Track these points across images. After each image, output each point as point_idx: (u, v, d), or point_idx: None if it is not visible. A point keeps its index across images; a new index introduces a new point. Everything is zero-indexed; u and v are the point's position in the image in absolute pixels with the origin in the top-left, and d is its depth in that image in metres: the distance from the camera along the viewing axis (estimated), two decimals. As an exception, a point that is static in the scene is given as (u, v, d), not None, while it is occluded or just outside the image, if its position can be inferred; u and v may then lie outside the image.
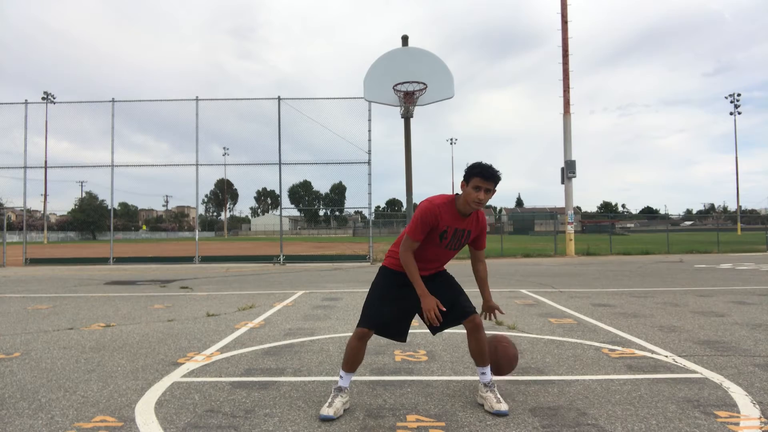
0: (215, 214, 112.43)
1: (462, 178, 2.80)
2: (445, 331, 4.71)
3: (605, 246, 22.50)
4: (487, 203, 2.87)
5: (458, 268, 3.14)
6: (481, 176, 2.70)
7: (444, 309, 2.83)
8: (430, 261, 2.98)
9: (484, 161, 2.76)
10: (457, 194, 2.86)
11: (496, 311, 3.14)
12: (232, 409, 2.94)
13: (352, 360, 2.93)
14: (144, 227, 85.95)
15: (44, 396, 3.20)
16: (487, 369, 2.97)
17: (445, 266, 3.17)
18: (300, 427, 2.68)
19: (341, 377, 2.93)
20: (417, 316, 3.05)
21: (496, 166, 2.75)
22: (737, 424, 2.64)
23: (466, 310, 2.94)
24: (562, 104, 19.92)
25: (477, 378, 3.13)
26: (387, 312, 2.92)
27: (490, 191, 2.74)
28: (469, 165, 2.76)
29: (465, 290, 3.11)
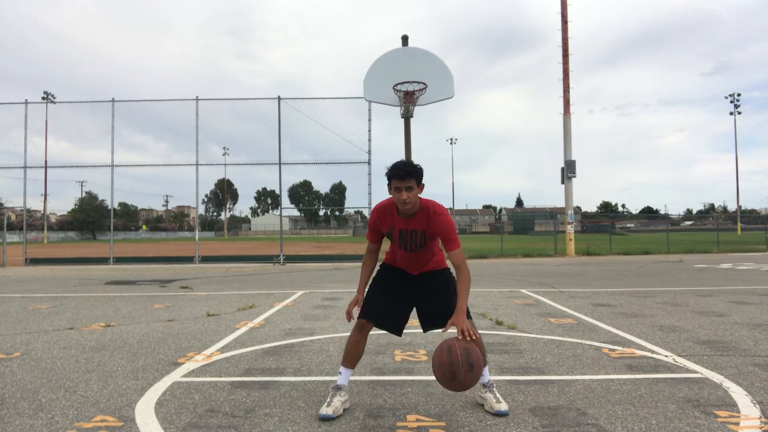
0: (215, 213, 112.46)
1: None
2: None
3: (605, 246, 22.49)
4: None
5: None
6: (396, 177, 2.71)
7: (357, 308, 2.98)
8: (404, 261, 3.01)
9: (400, 160, 2.77)
10: None
11: (463, 330, 2.62)
12: (232, 409, 2.94)
13: (350, 354, 2.94)
14: (144, 227, 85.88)
15: (44, 396, 3.20)
16: (485, 371, 2.96)
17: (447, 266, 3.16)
18: (300, 426, 2.68)
19: (340, 373, 2.94)
20: (416, 314, 3.06)
21: (414, 161, 2.77)
22: (737, 423, 2.64)
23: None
24: (562, 104, 19.93)
25: (477, 378, 3.12)
26: (380, 302, 2.96)
27: (413, 188, 2.72)
28: (387, 168, 2.79)
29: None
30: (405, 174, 2.69)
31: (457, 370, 2.55)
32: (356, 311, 3.02)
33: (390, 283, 3.02)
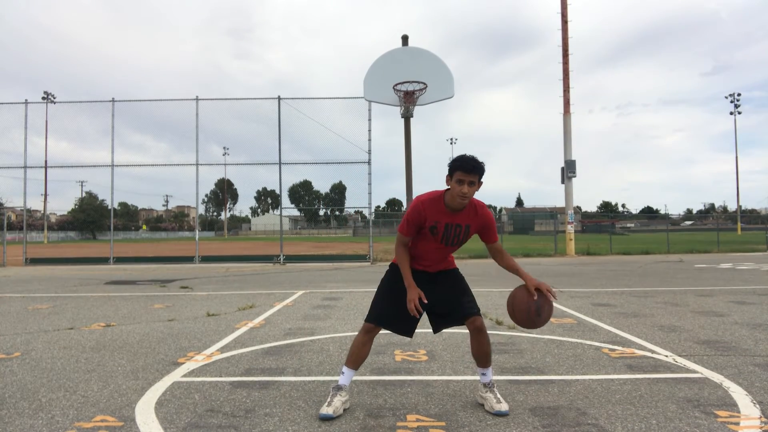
0: (215, 213, 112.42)
1: (447, 173, 2.79)
2: (445, 330, 4.71)
3: (605, 246, 22.49)
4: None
5: (464, 269, 3.13)
6: (463, 169, 2.70)
7: (426, 302, 2.85)
8: (431, 257, 2.97)
9: (467, 154, 2.76)
10: (447, 189, 2.85)
11: (543, 288, 2.88)
12: (233, 409, 2.94)
13: (355, 355, 2.94)
14: (144, 227, 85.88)
15: (44, 396, 3.20)
16: (488, 370, 2.97)
17: (457, 266, 3.17)
18: (300, 426, 2.68)
19: (342, 373, 2.94)
20: (426, 314, 3.07)
21: (479, 158, 2.74)
22: (737, 423, 2.64)
23: (468, 311, 2.93)
24: (561, 104, 19.93)
25: (477, 378, 3.13)
26: (392, 307, 2.93)
27: (474, 184, 2.73)
28: (451, 159, 2.77)
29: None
30: (472, 168, 2.69)
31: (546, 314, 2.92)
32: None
33: (400, 285, 2.95)
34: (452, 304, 2.95)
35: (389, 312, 2.93)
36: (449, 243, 2.91)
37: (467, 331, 2.98)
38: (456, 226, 2.85)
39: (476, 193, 2.81)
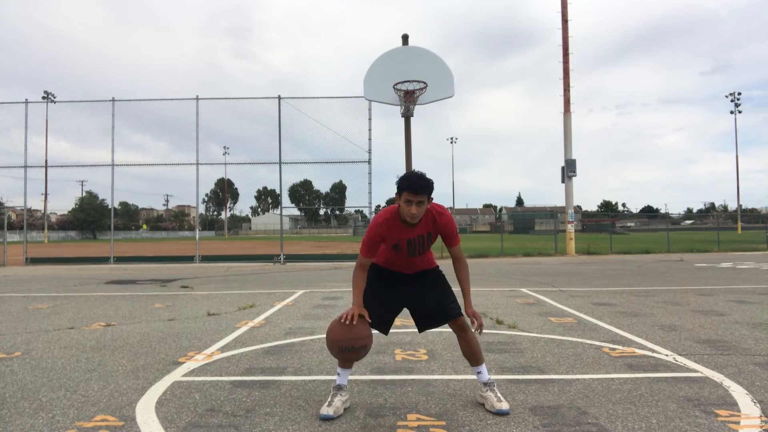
0: (215, 213, 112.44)
1: (396, 192, 2.74)
2: (445, 330, 4.71)
3: (605, 245, 22.47)
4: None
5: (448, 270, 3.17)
6: (410, 190, 2.65)
7: (370, 321, 2.83)
8: (403, 266, 3.00)
9: (415, 171, 2.72)
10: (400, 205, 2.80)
11: (476, 321, 2.87)
12: (233, 409, 2.94)
13: None
14: (144, 226, 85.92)
15: (45, 395, 3.20)
16: (483, 368, 2.97)
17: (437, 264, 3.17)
18: (300, 426, 2.68)
19: (338, 374, 2.94)
20: (410, 315, 3.08)
21: (428, 175, 2.69)
22: (738, 422, 2.65)
23: (451, 312, 2.95)
24: (562, 103, 19.91)
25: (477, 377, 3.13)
26: (370, 305, 2.93)
27: (423, 203, 2.69)
28: (399, 177, 2.72)
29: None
30: (419, 188, 2.65)
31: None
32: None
33: (378, 283, 2.99)
34: (436, 306, 2.97)
35: (368, 310, 2.92)
36: (416, 253, 2.92)
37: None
38: (418, 237, 2.85)
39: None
